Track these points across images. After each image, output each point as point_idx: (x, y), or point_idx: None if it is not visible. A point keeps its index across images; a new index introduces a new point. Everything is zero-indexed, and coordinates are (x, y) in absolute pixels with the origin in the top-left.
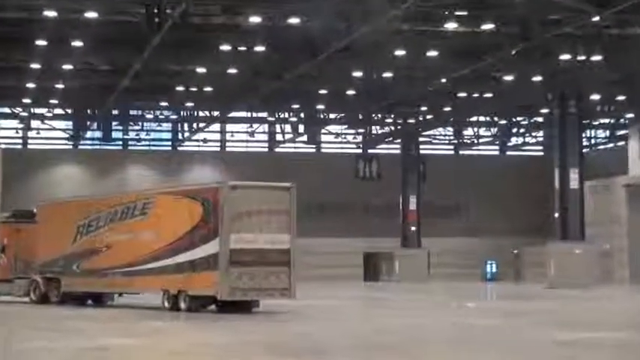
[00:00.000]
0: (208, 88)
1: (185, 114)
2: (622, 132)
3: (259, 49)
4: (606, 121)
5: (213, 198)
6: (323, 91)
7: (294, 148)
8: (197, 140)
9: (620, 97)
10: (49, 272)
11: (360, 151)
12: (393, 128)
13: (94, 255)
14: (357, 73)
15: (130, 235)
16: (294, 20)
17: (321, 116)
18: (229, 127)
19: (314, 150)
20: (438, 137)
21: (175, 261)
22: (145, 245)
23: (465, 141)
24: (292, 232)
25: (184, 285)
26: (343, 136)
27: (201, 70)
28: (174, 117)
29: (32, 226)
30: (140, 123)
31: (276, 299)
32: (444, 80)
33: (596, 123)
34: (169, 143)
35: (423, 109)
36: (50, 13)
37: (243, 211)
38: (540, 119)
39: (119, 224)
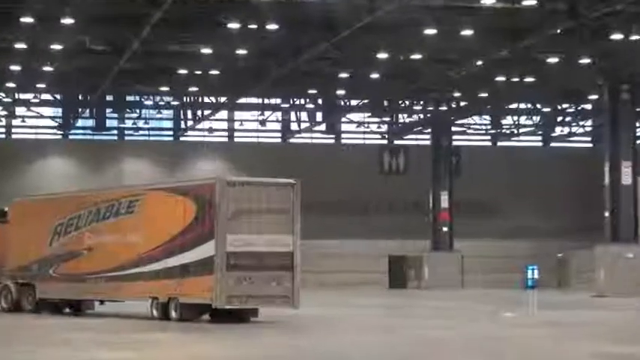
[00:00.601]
0: (214, 71)
1: (188, 100)
2: None
3: (272, 27)
4: None
5: (208, 195)
6: (343, 75)
7: (311, 138)
8: (202, 130)
9: None
10: (22, 277)
11: (385, 142)
12: (422, 116)
13: (74, 258)
14: (382, 55)
15: (115, 236)
16: None
17: (342, 103)
18: (238, 115)
19: (333, 141)
20: (472, 126)
21: (165, 265)
22: (132, 247)
23: (503, 131)
24: (295, 234)
25: (175, 292)
26: (366, 125)
27: (206, 50)
28: (176, 103)
29: (3, 226)
30: (138, 110)
31: (277, 307)
32: (479, 62)
33: None
34: (170, 133)
35: (457, 94)
36: None
37: (241, 209)
38: (589, 106)
39: (102, 224)
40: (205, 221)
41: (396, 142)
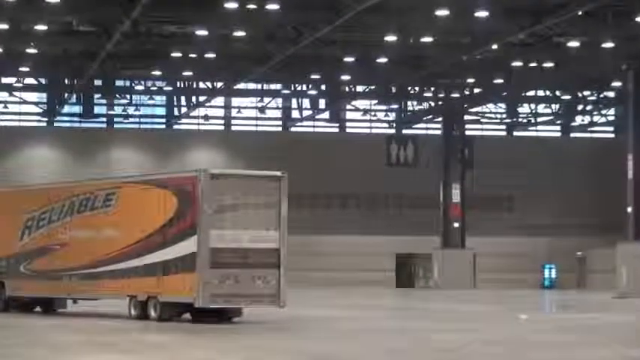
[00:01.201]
0: (210, 55)
1: (182, 85)
2: None
3: (272, 7)
4: None
5: (191, 188)
6: (348, 59)
7: (314, 127)
8: (197, 117)
9: None
10: None
11: (392, 131)
12: (432, 104)
13: (46, 254)
14: (390, 37)
15: (90, 231)
16: None
17: (346, 89)
18: (235, 101)
19: (337, 130)
20: (487, 115)
21: (144, 262)
22: (108, 243)
23: (520, 120)
24: (282, 229)
25: (155, 290)
26: (373, 113)
27: (201, 32)
28: (169, 89)
29: None
30: (128, 96)
31: (262, 307)
32: (495, 46)
33: None
34: (163, 121)
35: (470, 81)
36: None
37: (225, 204)
38: (611, 94)
39: (77, 218)
40: (187, 216)
41: (404, 131)
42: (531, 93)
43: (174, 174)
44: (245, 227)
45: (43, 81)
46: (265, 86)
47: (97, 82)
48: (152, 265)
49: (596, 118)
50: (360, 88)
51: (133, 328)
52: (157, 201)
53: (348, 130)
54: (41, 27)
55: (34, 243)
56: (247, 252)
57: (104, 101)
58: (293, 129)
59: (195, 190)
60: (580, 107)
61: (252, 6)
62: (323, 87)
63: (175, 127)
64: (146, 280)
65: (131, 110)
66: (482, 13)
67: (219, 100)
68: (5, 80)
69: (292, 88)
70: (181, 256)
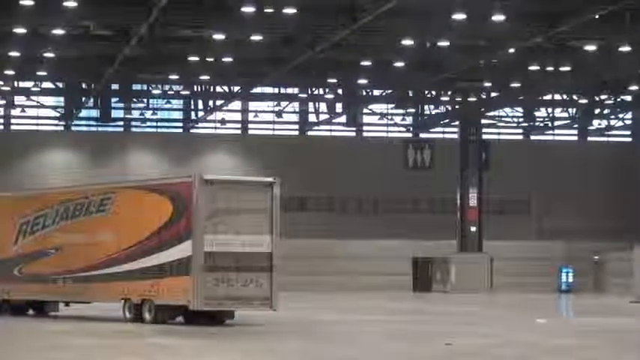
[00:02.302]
0: (227, 59)
1: (199, 89)
2: None
3: (289, 11)
4: None
5: (185, 194)
6: (365, 63)
7: (330, 131)
8: (213, 121)
9: None
10: None
11: (409, 135)
12: (449, 108)
13: (41, 258)
14: (407, 41)
15: (85, 236)
16: None
17: (363, 93)
18: (252, 105)
19: (354, 134)
20: (503, 119)
21: (139, 265)
22: (103, 247)
23: (536, 124)
24: (275, 234)
25: (150, 293)
26: (389, 117)
27: (219, 36)
28: (186, 93)
29: None
30: (145, 100)
31: (255, 310)
32: (512, 50)
33: None
34: (180, 124)
35: (487, 84)
36: None
37: (219, 209)
38: (628, 98)
39: (72, 223)
40: (182, 220)
41: (421, 135)
42: (548, 97)
43: (169, 179)
44: (238, 232)
45: (60, 85)
46: (282, 90)
47: (115, 86)
48: (147, 269)
49: (613, 122)
50: (377, 92)
51: (141, 331)
52: (151, 206)
53: (365, 134)
54: (59, 31)
55: (28, 247)
56: (240, 256)
57: (121, 105)
58: (310, 133)
59: (190, 196)
60: (597, 111)
61: (269, 10)
62: (340, 91)
63: (192, 131)
64: (141, 283)
65: (148, 114)
66: (499, 17)
67: (236, 104)
68: (23, 84)
69: (309, 92)
70: (176, 260)
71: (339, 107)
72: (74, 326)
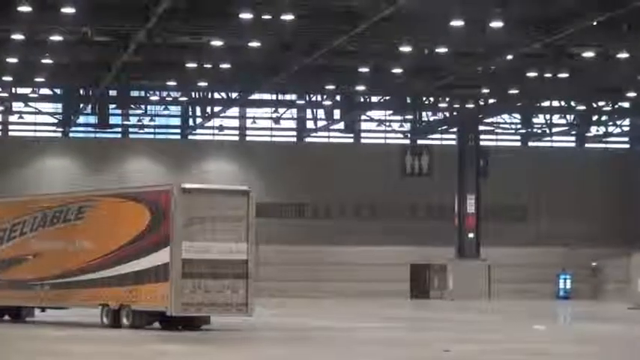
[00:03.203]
0: (225, 65)
1: (197, 95)
2: None
3: (287, 17)
4: None
5: (163, 202)
6: (363, 69)
7: (328, 137)
8: (211, 127)
9: None
10: None
11: (407, 141)
12: (447, 114)
13: (18, 264)
14: (405, 48)
15: (63, 242)
16: None
17: (361, 99)
18: (250, 111)
19: (352, 140)
20: (501, 125)
21: (117, 272)
22: (81, 254)
23: (534, 130)
24: (251, 241)
25: (128, 299)
26: (387, 123)
27: (217, 42)
28: (184, 99)
29: None
30: (143, 106)
31: (231, 316)
32: (509, 57)
33: None
34: (178, 131)
35: (485, 91)
36: None
37: (196, 217)
38: (626, 105)
39: (49, 230)
40: (160, 228)
41: (419, 141)
42: (546, 103)
43: (147, 188)
44: (215, 239)
45: (58, 91)
46: (280, 96)
47: (112, 93)
48: (125, 275)
49: (611, 129)
50: (374, 99)
51: (139, 338)
52: (130, 214)
53: (362, 140)
54: (56, 37)
55: (5, 253)
56: (217, 263)
57: (119, 111)
58: (308, 139)
59: (168, 204)
60: (595, 117)
61: (267, 16)
62: (338, 97)
63: (190, 137)
64: (119, 289)
65: (146, 120)
66: (497, 24)
67: (234, 111)
68: (21, 90)
69: (307, 99)
70: (154, 267)
71: (337, 114)
72: (67, 333)
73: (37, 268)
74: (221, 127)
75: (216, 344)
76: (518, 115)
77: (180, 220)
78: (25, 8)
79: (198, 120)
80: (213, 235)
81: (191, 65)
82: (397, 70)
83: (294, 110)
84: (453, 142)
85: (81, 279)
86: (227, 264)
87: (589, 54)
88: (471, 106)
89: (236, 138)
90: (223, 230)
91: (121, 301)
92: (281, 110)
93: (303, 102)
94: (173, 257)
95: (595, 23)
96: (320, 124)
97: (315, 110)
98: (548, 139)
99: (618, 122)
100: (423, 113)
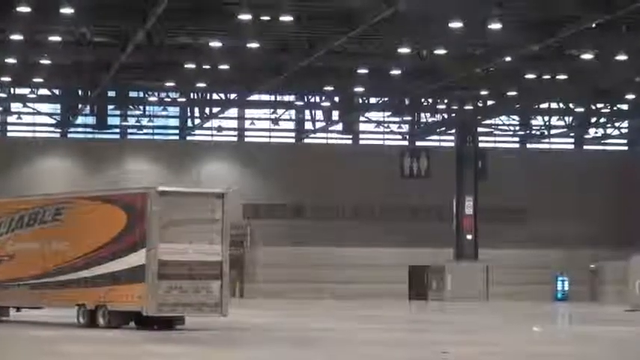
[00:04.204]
0: (224, 66)
1: (196, 96)
2: None
3: (286, 18)
4: None
5: (140, 204)
6: (362, 71)
7: (327, 139)
8: (210, 128)
9: None
10: None
11: (406, 143)
12: (446, 116)
13: None
14: (404, 49)
15: (39, 244)
16: None
17: (360, 101)
18: (249, 112)
19: (350, 141)
20: (500, 127)
21: (94, 273)
22: (57, 255)
23: (533, 132)
24: (225, 243)
25: (104, 299)
26: (386, 125)
27: (215, 43)
28: (182, 100)
29: None
30: (142, 107)
31: (206, 316)
32: (508, 58)
33: None
34: (177, 132)
35: (483, 93)
36: None
37: (172, 219)
38: (625, 106)
39: (25, 231)
40: (136, 230)
41: (417, 143)
42: (544, 105)
43: (124, 191)
44: (190, 241)
45: (56, 92)
46: (279, 98)
47: (111, 93)
48: (102, 276)
49: (609, 131)
50: (373, 100)
51: (133, 338)
52: (106, 216)
53: (361, 141)
54: (55, 38)
55: None
56: (192, 264)
57: (118, 112)
58: (306, 140)
59: (145, 206)
60: (593, 119)
61: (265, 17)
62: (336, 99)
63: (189, 138)
64: (96, 290)
65: (145, 121)
66: (495, 26)
67: (233, 112)
68: (19, 91)
69: (305, 100)
70: (131, 268)
71: (335, 115)
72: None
73: (12, 269)
74: (220, 128)
75: (213, 345)
76: (516, 117)
77: (157, 222)
78: (23, 9)
79: (197, 121)
80: (189, 237)
81: (190, 66)
82: (396, 72)
83: (293, 111)
84: (452, 144)
85: (57, 280)
86: (202, 265)
87: (588, 56)
88: (469, 107)
89: (234, 139)
90: (199, 232)
91: (97, 301)
92: (280, 111)
93: (301, 103)
94: (149, 259)
95: (594, 25)
96: (319, 125)
97: (313, 111)
98: (547, 140)
99: (617, 124)
100: (422, 115)
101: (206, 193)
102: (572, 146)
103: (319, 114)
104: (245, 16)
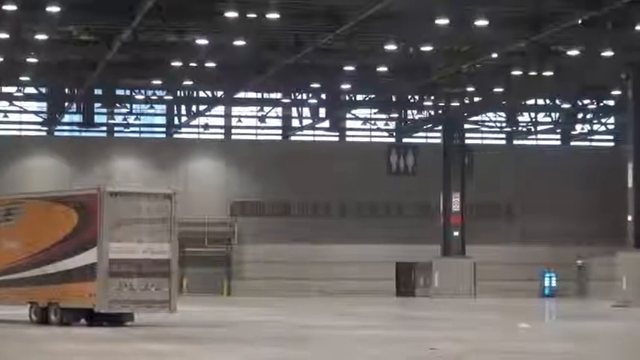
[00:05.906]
0: (211, 64)
1: (183, 94)
2: None
3: (272, 16)
4: None
5: (90, 204)
6: (349, 68)
7: (314, 136)
8: (197, 126)
9: None
10: None
11: (393, 140)
12: (432, 113)
13: None
14: (390, 46)
15: None
16: None
17: (347, 98)
18: (235, 110)
19: (337, 139)
20: (486, 124)
21: (45, 271)
22: (9, 254)
23: (519, 129)
24: (173, 242)
25: (56, 297)
26: (373, 122)
27: (202, 41)
28: (169, 98)
29: None
30: (128, 105)
31: (155, 312)
32: (494, 55)
33: None
34: (163, 130)
35: (470, 89)
36: None
37: (122, 218)
38: (611, 102)
39: None
40: (87, 229)
41: (404, 140)
42: (531, 102)
43: (75, 191)
44: (140, 240)
45: (43, 90)
46: (265, 95)
47: (98, 92)
48: (54, 274)
49: (596, 127)
50: (360, 97)
51: (123, 336)
52: (58, 216)
53: (348, 139)
54: (42, 36)
55: None
56: (142, 262)
57: (104, 110)
58: (293, 138)
59: (96, 206)
60: (580, 116)
61: (252, 15)
62: (323, 96)
63: (175, 136)
64: (48, 288)
65: (131, 119)
66: (482, 22)
67: (220, 109)
68: (5, 89)
69: (292, 97)
70: (82, 266)
71: (322, 112)
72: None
73: None
74: (206, 126)
75: (203, 343)
76: (503, 114)
77: (107, 221)
78: (10, 7)
79: (184, 119)
80: (138, 236)
81: (176, 64)
82: (382, 69)
83: (280, 109)
84: (438, 141)
85: (9, 278)
86: (151, 263)
87: (574, 52)
88: (456, 104)
89: (221, 136)
90: (148, 231)
91: (49, 299)
92: (266, 109)
93: (288, 100)
94: (100, 257)
95: (580, 21)
96: (305, 122)
97: (300, 109)
98: (533, 137)
99: (603, 120)
100: (409, 112)
101: (155, 193)
102: (558, 142)
103: (306, 111)
104: (231, 14)
